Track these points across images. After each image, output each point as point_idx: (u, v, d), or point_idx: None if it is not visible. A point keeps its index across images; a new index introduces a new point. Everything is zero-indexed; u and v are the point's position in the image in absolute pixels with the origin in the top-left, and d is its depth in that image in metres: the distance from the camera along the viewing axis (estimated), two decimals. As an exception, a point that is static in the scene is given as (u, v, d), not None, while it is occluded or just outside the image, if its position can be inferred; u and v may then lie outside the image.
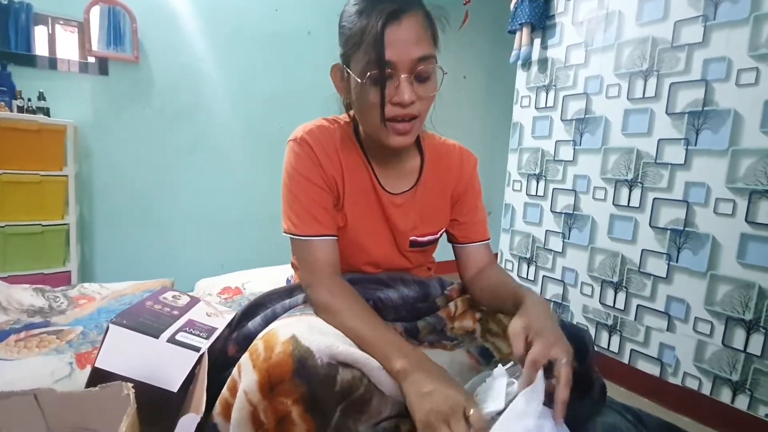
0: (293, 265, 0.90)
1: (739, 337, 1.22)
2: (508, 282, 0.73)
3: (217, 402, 0.55)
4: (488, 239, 0.86)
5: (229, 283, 1.15)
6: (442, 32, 0.68)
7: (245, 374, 0.52)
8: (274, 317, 0.67)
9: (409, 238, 0.79)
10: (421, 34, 0.62)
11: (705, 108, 1.28)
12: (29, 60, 1.69)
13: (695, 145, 1.31)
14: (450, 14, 0.69)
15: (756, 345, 1.19)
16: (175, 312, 0.63)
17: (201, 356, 0.55)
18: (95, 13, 1.79)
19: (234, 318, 0.73)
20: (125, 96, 1.91)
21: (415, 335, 0.73)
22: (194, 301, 0.69)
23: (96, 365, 0.51)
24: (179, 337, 0.56)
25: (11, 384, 0.58)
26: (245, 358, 0.53)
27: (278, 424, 0.51)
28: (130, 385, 0.44)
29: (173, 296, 0.68)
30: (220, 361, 0.68)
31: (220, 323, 0.65)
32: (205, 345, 0.57)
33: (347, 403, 0.56)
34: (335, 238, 0.71)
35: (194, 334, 0.58)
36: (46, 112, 1.65)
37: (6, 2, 1.62)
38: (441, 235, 0.84)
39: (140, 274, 1.63)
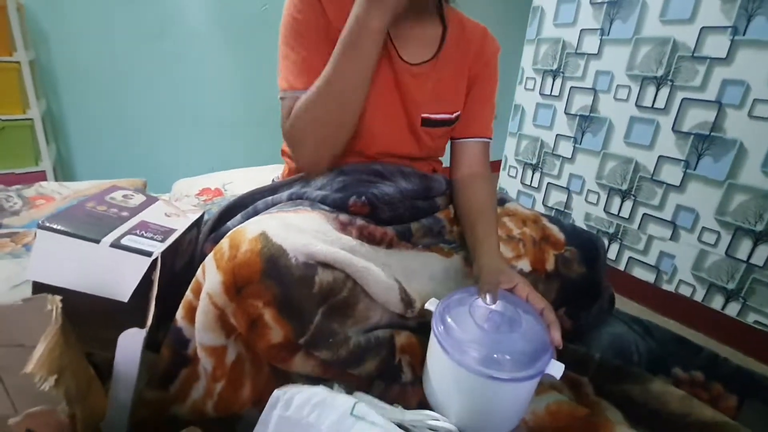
0: (283, 152, 0.79)
1: (744, 247, 1.17)
2: (488, 218, 0.67)
3: (181, 305, 0.50)
4: (489, 138, 0.77)
5: (208, 184, 1.05)
6: None
7: (209, 275, 0.46)
8: (255, 215, 0.61)
9: (421, 114, 0.70)
10: None
11: (712, 133, 1.19)
12: None
13: (694, 169, 1.25)
14: None
15: (761, 256, 1.14)
16: (125, 213, 0.54)
17: (155, 261, 0.48)
18: None
19: (202, 217, 0.66)
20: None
21: (408, 238, 0.66)
22: (150, 201, 0.60)
23: (27, 277, 0.44)
24: (126, 240, 0.48)
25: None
26: (209, 259, 0.47)
27: (251, 328, 0.46)
28: (58, 298, 0.37)
29: (123, 195, 0.58)
30: (197, 262, 0.62)
31: (181, 224, 0.57)
32: (158, 248, 0.49)
33: (328, 306, 0.51)
34: None
35: (146, 237, 0.50)
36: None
37: None
38: (455, 119, 0.75)
39: (122, 175, 1.53)
